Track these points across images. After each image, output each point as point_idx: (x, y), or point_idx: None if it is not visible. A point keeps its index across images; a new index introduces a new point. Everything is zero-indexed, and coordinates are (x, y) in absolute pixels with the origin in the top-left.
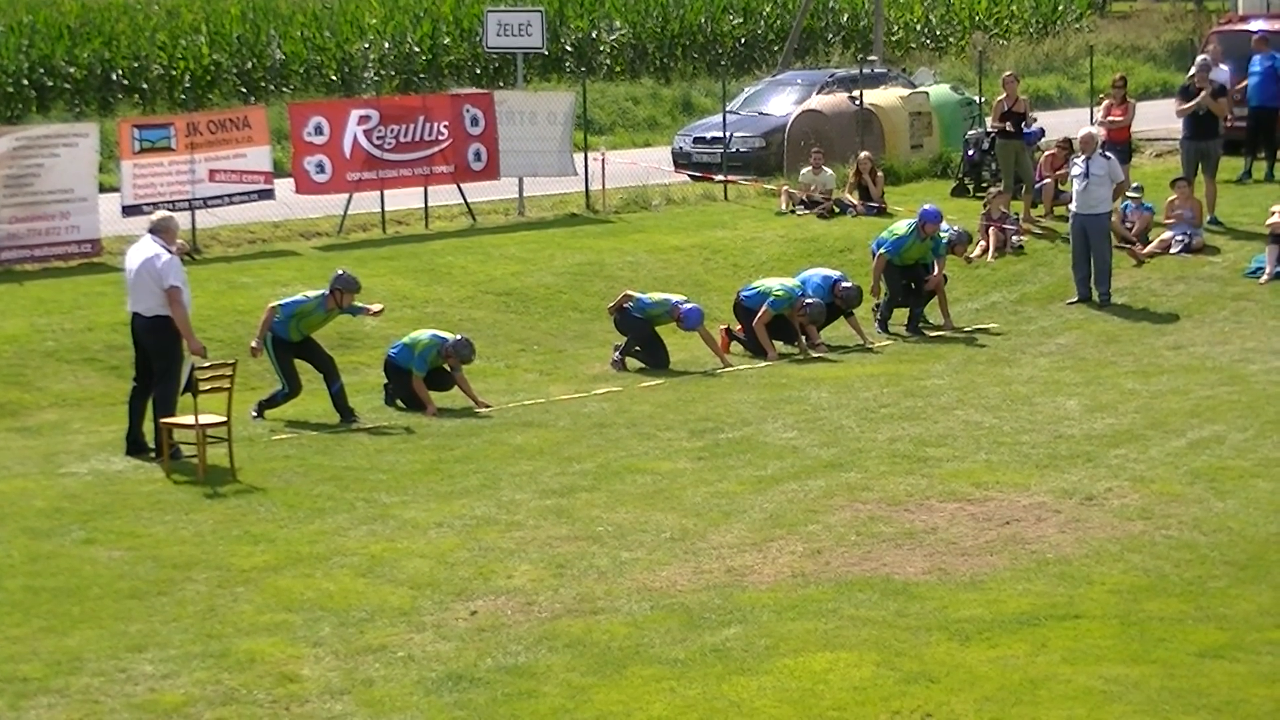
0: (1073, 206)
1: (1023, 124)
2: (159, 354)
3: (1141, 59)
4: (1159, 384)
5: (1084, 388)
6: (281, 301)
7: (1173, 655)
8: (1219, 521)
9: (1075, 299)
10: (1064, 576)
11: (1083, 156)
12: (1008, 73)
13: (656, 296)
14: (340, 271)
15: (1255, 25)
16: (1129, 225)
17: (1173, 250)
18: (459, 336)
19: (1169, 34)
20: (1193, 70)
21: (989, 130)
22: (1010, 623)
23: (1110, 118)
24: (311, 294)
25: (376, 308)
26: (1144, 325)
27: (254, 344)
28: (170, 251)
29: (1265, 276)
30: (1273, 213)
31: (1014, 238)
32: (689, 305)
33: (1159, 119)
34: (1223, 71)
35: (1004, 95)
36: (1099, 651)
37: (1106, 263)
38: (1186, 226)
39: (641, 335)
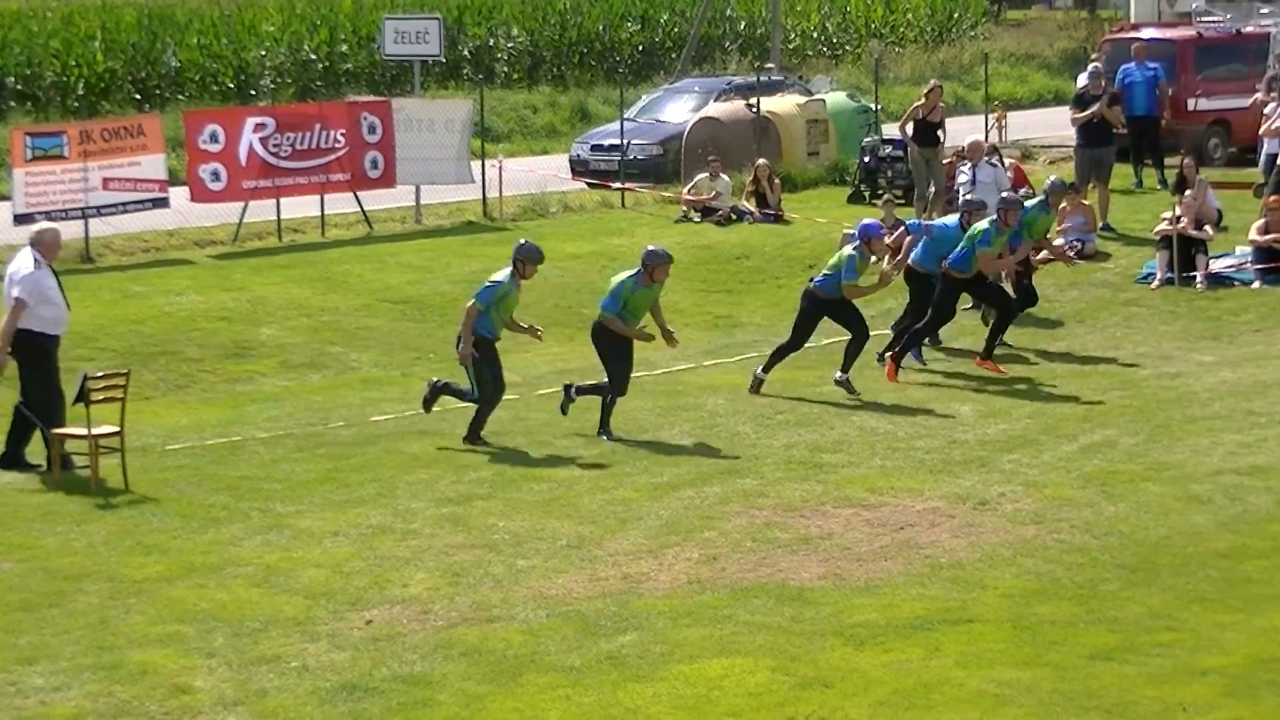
0: None
1: (938, 132)
2: (21, 367)
3: (1035, 66)
4: (1052, 389)
5: (977, 393)
6: (477, 293)
7: (1064, 658)
8: (1110, 525)
9: (968, 306)
10: (957, 581)
11: (969, 165)
12: (933, 81)
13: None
14: (522, 241)
15: (1146, 34)
16: None
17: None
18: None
19: (1062, 42)
20: (1085, 77)
21: (887, 138)
22: (904, 627)
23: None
24: (498, 276)
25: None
26: (1037, 331)
27: (463, 349)
28: (41, 265)
29: (1156, 282)
30: (1162, 219)
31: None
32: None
33: (1053, 126)
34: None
35: (923, 102)
36: (992, 655)
37: None
38: (1079, 233)
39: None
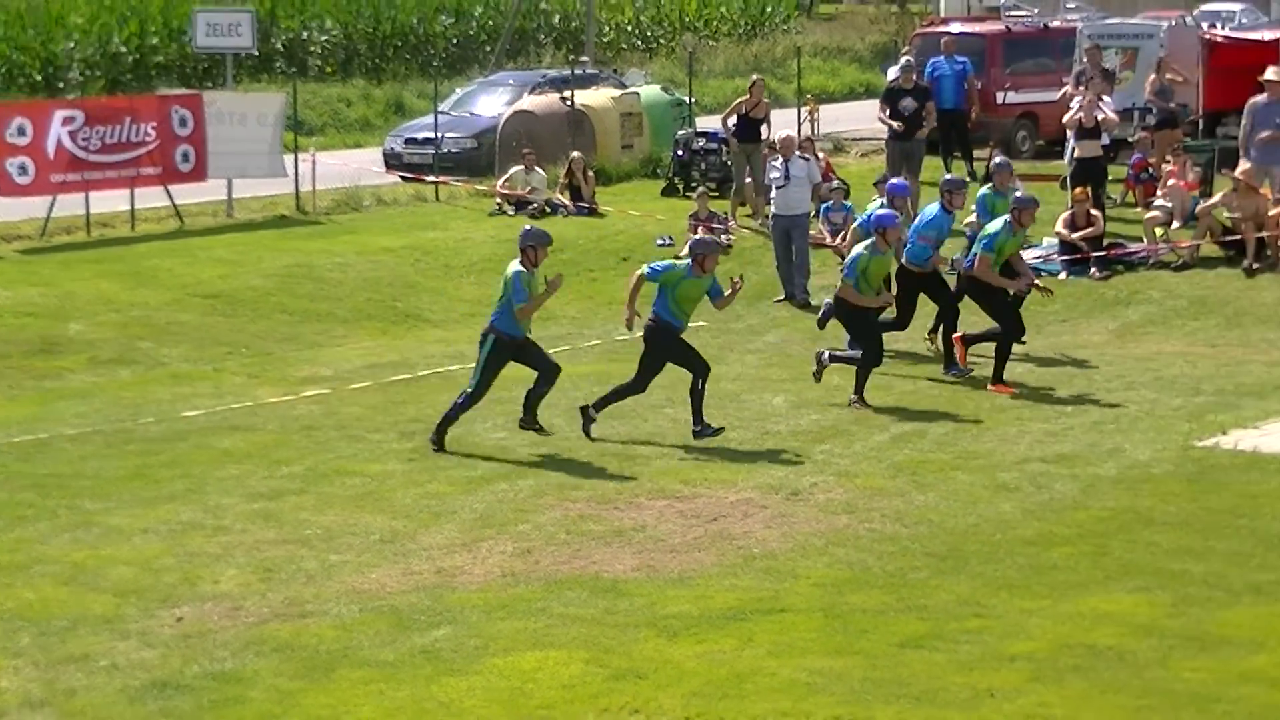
0: (772, 208)
1: (761, 128)
2: None
3: (847, 60)
4: None
5: (790, 384)
6: (513, 293)
7: (874, 646)
8: (920, 514)
9: (782, 297)
10: (770, 571)
11: (781, 159)
12: (755, 76)
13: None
14: (527, 228)
15: (955, 28)
16: (831, 225)
17: None
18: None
19: (873, 36)
20: (896, 71)
21: (701, 131)
22: (717, 618)
23: None
24: (515, 268)
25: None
26: None
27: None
28: None
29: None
30: (972, 210)
31: (723, 237)
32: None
33: (864, 119)
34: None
35: (746, 98)
36: (803, 644)
37: (805, 262)
38: None
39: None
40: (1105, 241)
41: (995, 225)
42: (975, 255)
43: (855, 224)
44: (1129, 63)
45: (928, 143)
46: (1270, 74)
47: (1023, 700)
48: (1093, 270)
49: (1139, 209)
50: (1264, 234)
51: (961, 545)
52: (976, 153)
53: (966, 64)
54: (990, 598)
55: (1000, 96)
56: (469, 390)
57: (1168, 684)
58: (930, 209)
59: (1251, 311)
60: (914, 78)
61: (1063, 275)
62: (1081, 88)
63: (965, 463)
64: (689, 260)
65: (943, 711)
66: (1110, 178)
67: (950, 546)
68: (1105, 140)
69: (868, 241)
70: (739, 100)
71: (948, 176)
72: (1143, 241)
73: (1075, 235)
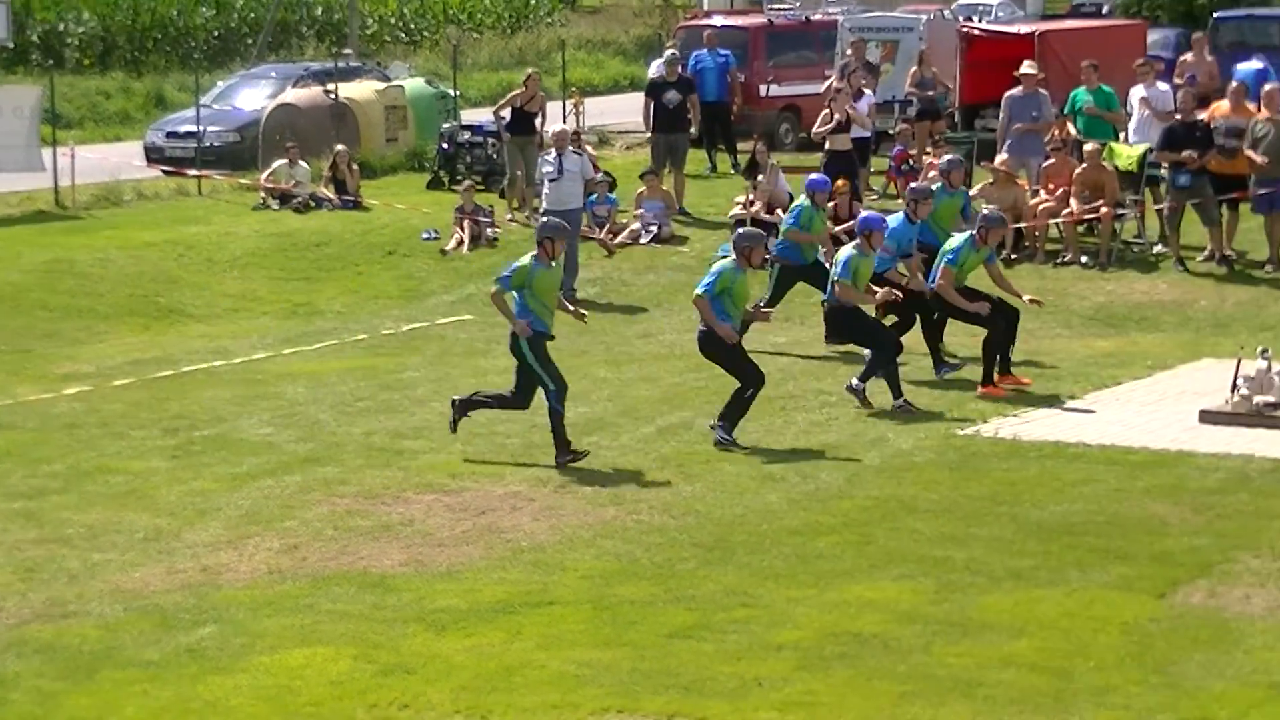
0: (544, 203)
1: (535, 121)
2: None
3: (611, 53)
4: (629, 372)
5: None
6: (705, 287)
7: (643, 637)
8: (687, 505)
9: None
10: (538, 564)
11: (555, 153)
12: (531, 71)
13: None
14: (544, 220)
15: (718, 21)
16: (596, 219)
17: (642, 241)
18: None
19: (638, 29)
20: (659, 64)
21: (465, 124)
22: (486, 611)
23: None
24: (524, 260)
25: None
26: (615, 315)
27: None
28: None
29: None
30: (736, 203)
31: (488, 230)
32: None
33: (629, 112)
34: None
35: (521, 91)
36: (572, 636)
37: (575, 258)
38: (656, 217)
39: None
40: None
41: (958, 240)
42: (937, 270)
43: (784, 224)
44: (889, 55)
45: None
46: (1026, 67)
47: (789, 689)
48: None
49: (901, 200)
50: (1022, 225)
51: (728, 536)
52: (740, 145)
53: (729, 57)
54: (757, 587)
55: (763, 89)
56: (553, 390)
57: (931, 670)
58: (894, 218)
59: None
60: (678, 71)
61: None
62: (845, 81)
63: (731, 454)
64: (732, 258)
65: (710, 701)
66: (873, 170)
67: (717, 537)
68: (866, 133)
69: (855, 243)
70: (513, 93)
71: (913, 185)
72: None
73: (838, 228)
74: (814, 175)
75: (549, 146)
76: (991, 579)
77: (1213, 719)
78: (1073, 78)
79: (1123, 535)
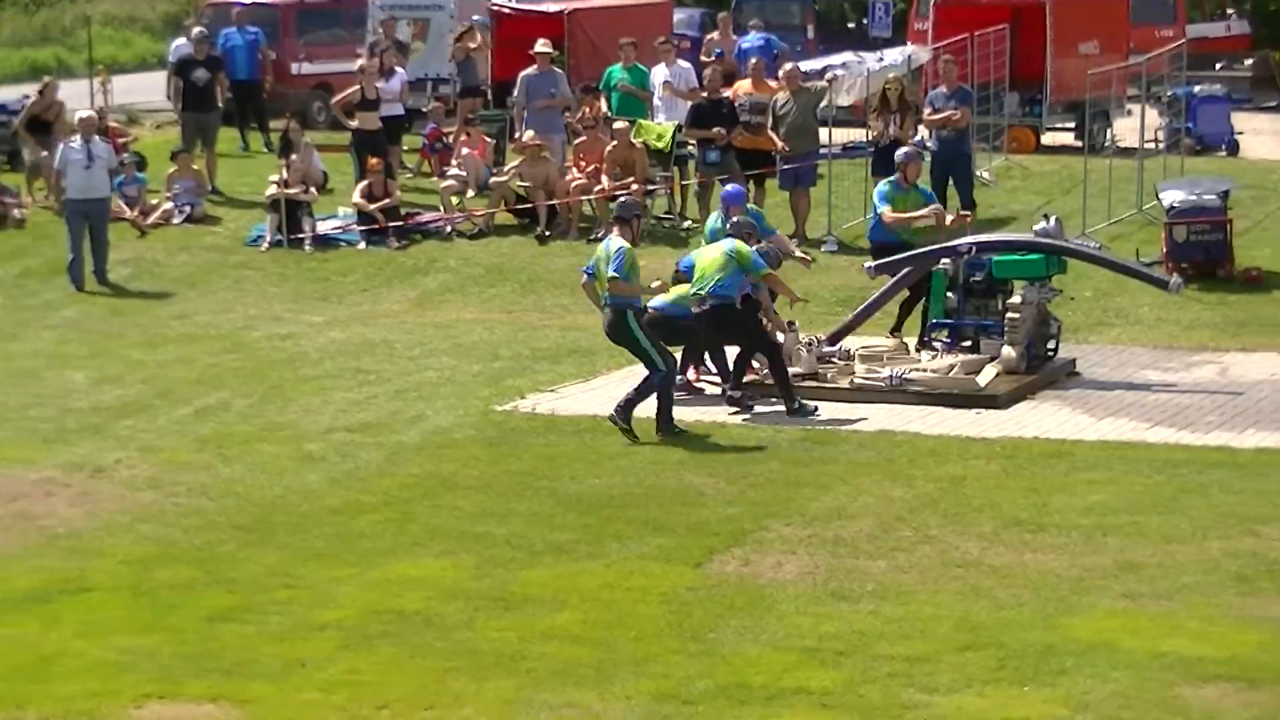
0: (71, 193)
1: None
2: None
3: (139, 30)
4: (165, 354)
5: (91, 360)
6: (616, 269)
7: (184, 621)
8: (226, 486)
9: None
10: (74, 550)
11: (81, 140)
12: (47, 79)
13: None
14: (622, 199)
15: None
16: (126, 198)
17: (175, 221)
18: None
19: (165, 5)
20: (185, 42)
21: None
22: (20, 600)
23: None
24: (617, 244)
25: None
26: (149, 297)
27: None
28: None
29: (265, 244)
30: (270, 182)
31: (15, 211)
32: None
33: (157, 90)
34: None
35: (38, 99)
36: (111, 623)
37: (105, 242)
38: (188, 197)
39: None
40: (402, 211)
41: (881, 185)
42: (875, 217)
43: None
44: (420, 33)
45: (222, 115)
46: (539, 46)
47: (333, 669)
48: (391, 240)
49: (435, 178)
50: (555, 202)
51: (269, 517)
52: (271, 123)
53: (259, 34)
54: (299, 568)
55: (295, 67)
56: (662, 371)
57: (474, 644)
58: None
59: (545, 278)
60: (206, 49)
61: (361, 245)
62: (375, 59)
63: (271, 434)
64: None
65: (254, 684)
66: (406, 148)
67: (257, 518)
68: (399, 110)
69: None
70: (31, 102)
71: (735, 220)
72: (439, 210)
73: (373, 206)
74: (730, 188)
75: (73, 133)
76: (532, 553)
77: (749, 684)
78: (602, 56)
79: (660, 506)
